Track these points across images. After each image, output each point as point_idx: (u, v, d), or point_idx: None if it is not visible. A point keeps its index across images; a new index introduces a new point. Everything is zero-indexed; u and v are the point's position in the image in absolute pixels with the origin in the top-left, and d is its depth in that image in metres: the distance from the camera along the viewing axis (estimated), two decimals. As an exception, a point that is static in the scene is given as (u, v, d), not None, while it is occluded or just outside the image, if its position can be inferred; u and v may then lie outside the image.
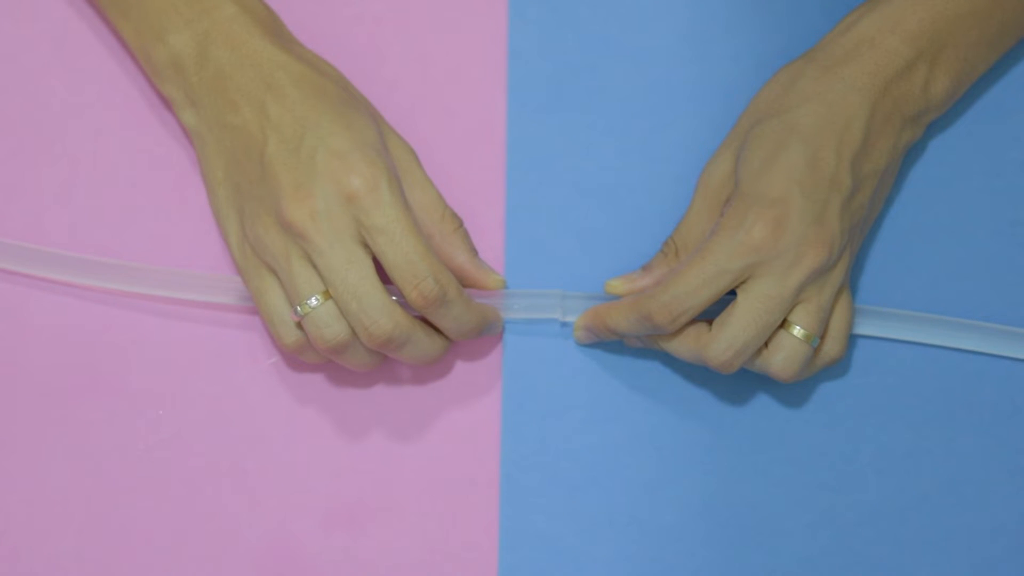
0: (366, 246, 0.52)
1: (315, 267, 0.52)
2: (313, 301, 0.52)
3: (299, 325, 0.53)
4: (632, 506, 0.57)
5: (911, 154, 0.60)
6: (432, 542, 0.57)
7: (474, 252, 0.56)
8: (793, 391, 0.58)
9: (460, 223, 0.56)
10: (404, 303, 0.53)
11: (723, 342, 0.53)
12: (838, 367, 0.58)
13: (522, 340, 0.58)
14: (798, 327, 0.53)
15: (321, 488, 0.57)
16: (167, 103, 0.59)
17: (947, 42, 0.55)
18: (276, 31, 0.56)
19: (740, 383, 0.58)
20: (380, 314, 0.52)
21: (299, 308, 0.52)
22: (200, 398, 0.58)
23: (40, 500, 0.57)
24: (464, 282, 0.56)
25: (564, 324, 0.58)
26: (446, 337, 0.55)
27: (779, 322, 0.53)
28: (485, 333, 0.56)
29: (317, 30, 0.61)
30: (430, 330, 0.54)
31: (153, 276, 0.57)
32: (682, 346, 0.54)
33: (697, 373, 0.58)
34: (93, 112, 0.60)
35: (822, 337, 0.54)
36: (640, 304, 0.54)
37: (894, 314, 0.58)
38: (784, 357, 0.53)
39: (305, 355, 0.54)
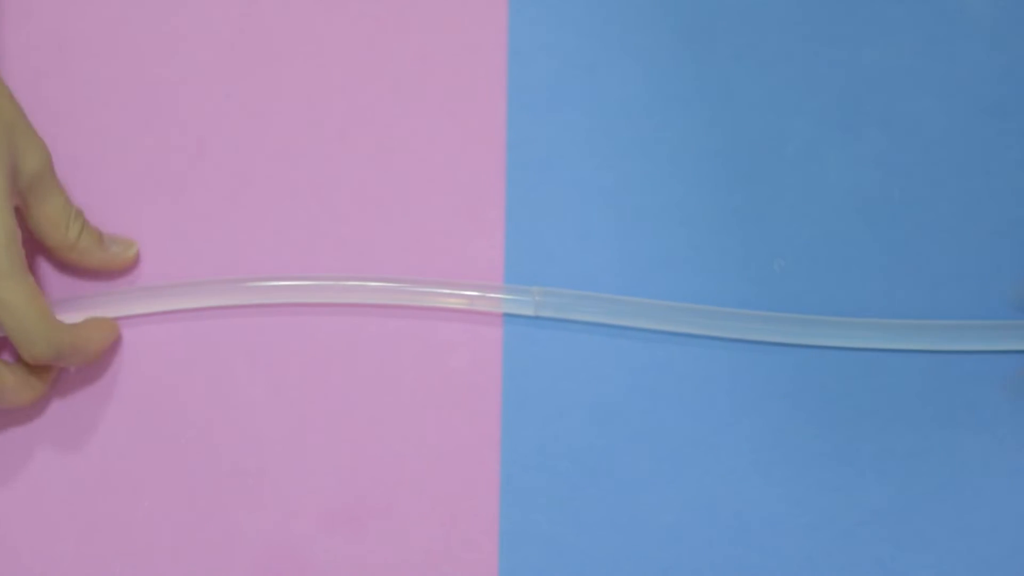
0: None
1: None
2: None
3: None
4: (632, 506, 0.57)
5: (911, 153, 0.60)
6: (432, 542, 0.57)
7: (99, 242, 0.56)
8: (793, 391, 0.58)
9: (82, 223, 0.55)
10: None
11: None
12: (838, 366, 0.58)
13: (522, 340, 0.58)
14: None
15: (321, 488, 0.57)
16: None
17: None
18: None
19: (740, 383, 0.58)
20: None
21: None
22: (200, 398, 0.58)
23: (40, 501, 0.57)
24: (105, 272, 0.57)
25: (537, 317, 0.58)
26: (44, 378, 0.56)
27: None
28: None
29: (317, 30, 0.61)
30: (26, 385, 0.55)
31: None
32: None
33: (697, 374, 0.58)
34: (93, 112, 0.60)
35: None
36: None
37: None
38: None
39: None
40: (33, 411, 0.57)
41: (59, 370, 0.57)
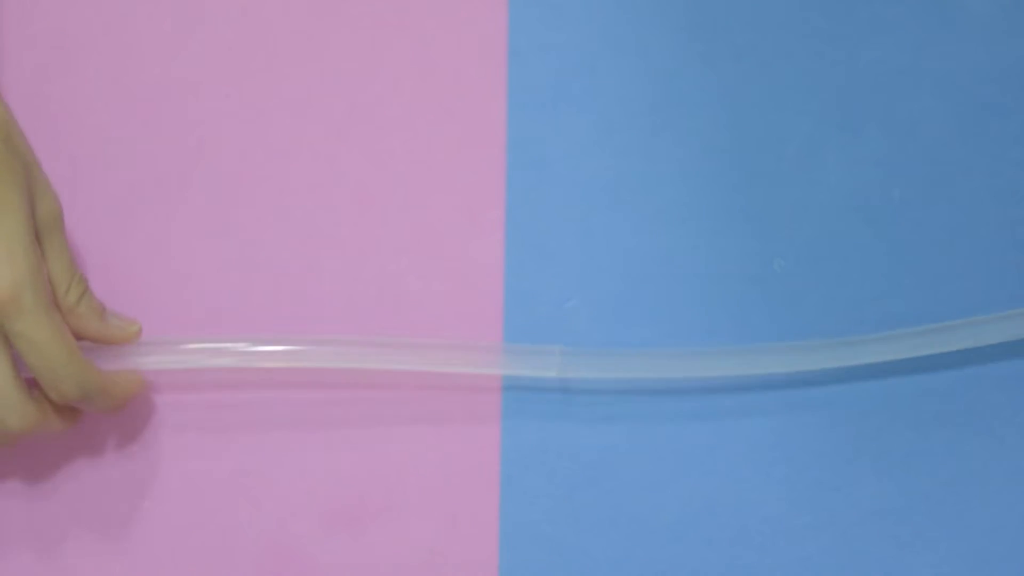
0: (4, 339, 0.50)
1: None
2: None
3: None
4: (632, 506, 0.57)
5: (911, 153, 0.60)
6: (432, 542, 0.57)
7: (101, 313, 0.54)
8: (793, 391, 0.58)
9: (83, 289, 0.53)
10: None
11: None
12: (838, 366, 0.58)
13: (522, 339, 0.58)
14: None
15: (321, 488, 0.57)
16: None
17: None
18: None
19: (741, 383, 0.58)
20: (10, 413, 0.51)
21: None
22: (200, 398, 0.57)
23: (40, 500, 0.57)
24: (101, 343, 0.55)
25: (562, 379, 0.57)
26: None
27: None
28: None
29: (316, 31, 0.61)
30: (64, 411, 0.54)
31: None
32: None
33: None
34: (93, 112, 0.60)
35: None
36: None
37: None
38: None
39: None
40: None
41: (83, 413, 0.55)
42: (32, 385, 0.52)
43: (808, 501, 0.57)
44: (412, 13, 0.61)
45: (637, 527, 0.57)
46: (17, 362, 0.51)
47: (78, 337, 0.53)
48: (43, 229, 0.52)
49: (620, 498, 0.57)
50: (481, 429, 0.57)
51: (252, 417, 0.57)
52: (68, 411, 0.54)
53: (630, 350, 0.57)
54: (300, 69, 0.61)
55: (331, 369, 0.58)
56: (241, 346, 0.55)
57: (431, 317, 0.58)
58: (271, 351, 0.55)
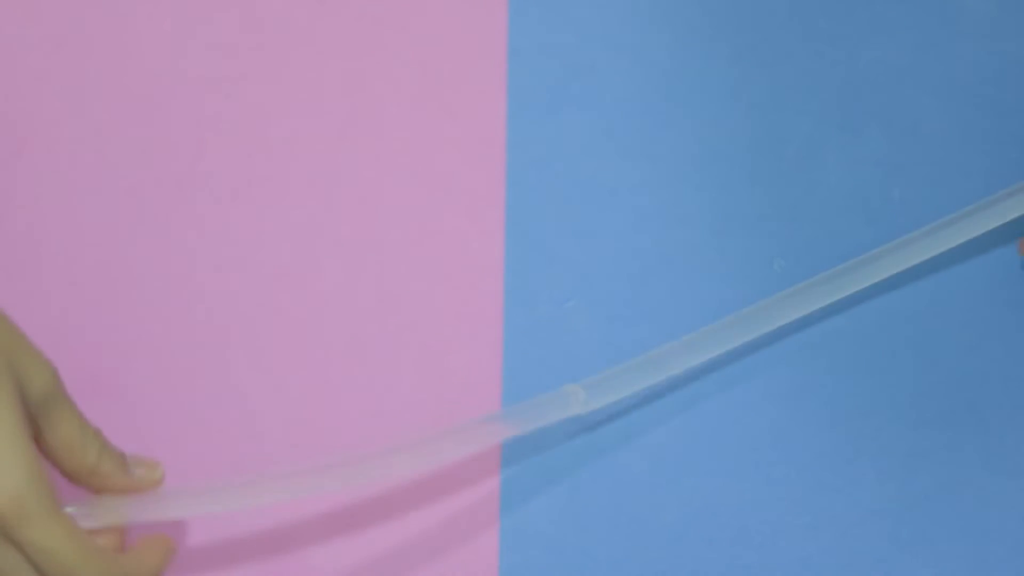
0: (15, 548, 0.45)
1: None
2: None
3: None
4: (632, 506, 0.57)
5: (911, 153, 0.60)
6: (432, 543, 0.57)
7: (124, 467, 0.49)
8: (792, 391, 0.58)
9: (100, 446, 0.49)
10: None
11: None
12: (838, 365, 0.58)
13: (521, 340, 0.58)
14: None
15: (321, 488, 0.57)
16: None
17: None
18: None
19: (739, 381, 0.58)
20: None
21: None
22: (200, 398, 0.58)
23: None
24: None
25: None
26: None
27: None
28: None
29: (317, 31, 0.61)
30: None
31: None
32: None
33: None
34: (93, 113, 0.60)
35: None
36: None
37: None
38: None
39: None
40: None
41: None
42: None
43: (808, 501, 0.57)
44: (412, 13, 0.61)
45: (637, 527, 0.57)
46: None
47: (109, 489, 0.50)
48: (42, 406, 0.47)
49: (620, 498, 0.57)
50: (481, 429, 0.58)
51: (252, 418, 0.57)
52: None
53: (636, 360, 0.55)
54: (300, 69, 0.61)
55: (331, 366, 0.58)
56: (237, 490, 0.49)
57: (431, 317, 0.58)
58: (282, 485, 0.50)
